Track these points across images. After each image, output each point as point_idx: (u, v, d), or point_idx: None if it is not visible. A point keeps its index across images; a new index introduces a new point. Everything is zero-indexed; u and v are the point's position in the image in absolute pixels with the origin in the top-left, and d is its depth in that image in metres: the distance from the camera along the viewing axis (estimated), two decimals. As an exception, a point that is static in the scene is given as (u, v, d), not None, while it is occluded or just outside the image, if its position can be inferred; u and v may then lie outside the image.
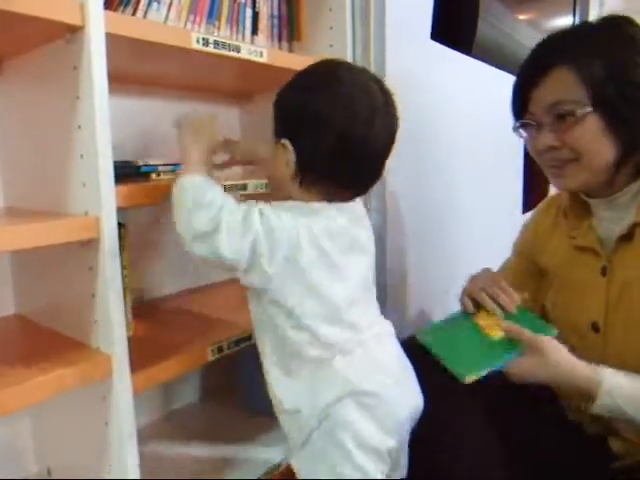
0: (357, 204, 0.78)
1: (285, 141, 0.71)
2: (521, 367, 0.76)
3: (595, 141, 0.76)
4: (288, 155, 0.71)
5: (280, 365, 0.72)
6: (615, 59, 0.75)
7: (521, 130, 0.87)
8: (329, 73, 0.72)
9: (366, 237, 0.78)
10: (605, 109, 0.75)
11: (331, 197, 0.72)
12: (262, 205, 0.70)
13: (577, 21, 2.46)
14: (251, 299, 0.74)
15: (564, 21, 2.45)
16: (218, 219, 0.66)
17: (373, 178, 0.76)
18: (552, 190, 2.16)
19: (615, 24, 0.79)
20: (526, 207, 1.95)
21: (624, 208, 0.81)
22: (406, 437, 0.77)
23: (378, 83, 0.72)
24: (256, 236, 0.66)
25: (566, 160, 0.79)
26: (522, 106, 0.84)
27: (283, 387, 0.72)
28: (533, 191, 2.03)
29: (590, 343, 0.83)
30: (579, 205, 0.89)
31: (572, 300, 0.87)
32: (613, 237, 0.82)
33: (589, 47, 0.76)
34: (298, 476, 0.73)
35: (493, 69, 1.61)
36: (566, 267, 0.89)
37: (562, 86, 0.77)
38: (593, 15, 2.57)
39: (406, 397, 0.75)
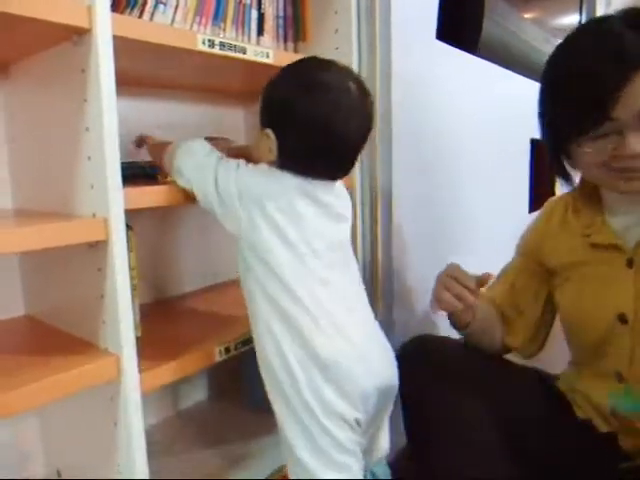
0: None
1: (269, 131, 0.77)
2: None
3: None
4: (271, 144, 0.77)
5: (255, 317, 0.77)
6: None
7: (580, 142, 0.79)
8: (315, 75, 0.77)
9: (342, 206, 0.83)
10: None
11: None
12: (241, 161, 0.79)
13: (584, 20, 2.45)
14: (237, 255, 0.79)
15: (570, 19, 2.44)
16: (210, 163, 0.78)
17: (347, 169, 0.83)
18: (558, 190, 2.15)
19: None
20: (532, 207, 1.95)
21: None
22: (379, 413, 0.79)
23: (357, 83, 0.78)
24: (229, 185, 0.75)
25: None
26: (600, 115, 0.76)
27: (256, 336, 0.78)
28: (540, 191, 2.02)
29: (617, 335, 0.82)
30: (591, 201, 0.88)
31: (595, 292, 0.86)
32: (636, 230, 0.81)
33: None
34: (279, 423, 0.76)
35: (500, 68, 1.60)
36: (583, 264, 0.88)
37: None
38: (600, 14, 2.56)
39: (372, 370, 0.76)
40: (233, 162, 0.78)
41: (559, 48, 0.82)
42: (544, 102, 0.84)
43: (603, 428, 0.86)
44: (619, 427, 0.84)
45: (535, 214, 1.03)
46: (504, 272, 1.04)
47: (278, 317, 0.74)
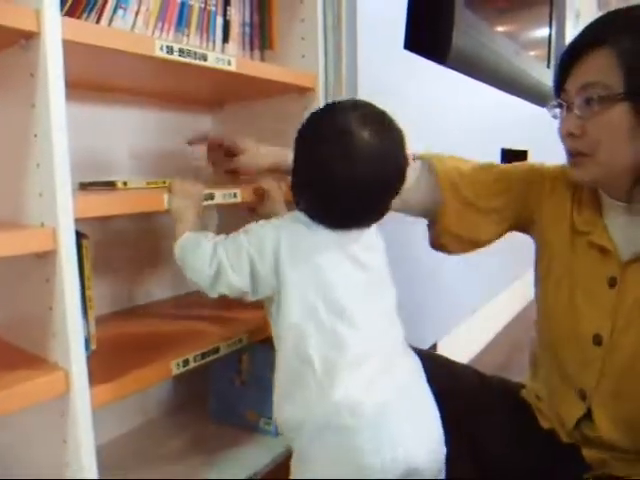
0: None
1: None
2: None
3: (618, 135, 0.71)
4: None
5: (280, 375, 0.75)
6: None
7: (557, 110, 0.79)
8: (326, 119, 0.74)
9: (368, 257, 0.77)
10: (638, 100, 0.68)
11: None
12: (250, 225, 0.76)
13: (554, 33, 2.51)
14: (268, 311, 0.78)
15: (541, 33, 2.48)
16: (217, 260, 0.73)
17: (369, 217, 0.77)
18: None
19: None
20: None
21: None
22: None
23: (373, 124, 0.71)
24: (250, 255, 0.73)
25: (582, 153, 0.75)
26: (560, 84, 0.77)
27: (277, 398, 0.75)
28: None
29: (589, 356, 0.79)
30: (595, 202, 0.82)
31: (574, 305, 0.82)
32: (628, 247, 0.77)
33: (637, 31, 0.70)
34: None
35: (470, 79, 1.62)
36: (572, 259, 0.83)
37: (598, 68, 0.71)
38: (569, 27, 2.62)
39: (390, 451, 0.67)
40: (240, 235, 0.76)
41: None
42: None
43: (566, 439, 0.86)
44: (581, 439, 0.84)
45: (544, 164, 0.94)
46: (487, 164, 0.96)
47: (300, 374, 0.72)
